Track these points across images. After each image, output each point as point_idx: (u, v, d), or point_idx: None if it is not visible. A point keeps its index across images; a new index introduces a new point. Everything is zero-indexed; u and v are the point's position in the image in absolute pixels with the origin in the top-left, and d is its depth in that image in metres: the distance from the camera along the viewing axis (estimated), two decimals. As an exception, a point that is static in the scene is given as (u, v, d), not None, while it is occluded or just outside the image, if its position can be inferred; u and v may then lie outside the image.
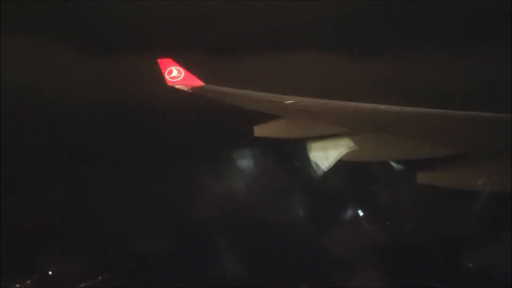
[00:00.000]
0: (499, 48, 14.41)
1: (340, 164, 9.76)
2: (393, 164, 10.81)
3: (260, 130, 10.93)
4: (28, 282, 13.74)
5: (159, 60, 12.83)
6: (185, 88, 12.51)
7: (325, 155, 9.89)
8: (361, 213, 13.54)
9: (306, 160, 10.20)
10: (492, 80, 14.20)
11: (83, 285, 13.67)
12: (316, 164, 10.14)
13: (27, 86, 15.89)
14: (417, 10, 15.16)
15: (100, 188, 14.84)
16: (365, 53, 15.51)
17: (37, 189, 14.89)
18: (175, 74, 12.71)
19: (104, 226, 14.06)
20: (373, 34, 15.48)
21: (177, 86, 12.61)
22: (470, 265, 12.43)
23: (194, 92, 12.38)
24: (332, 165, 9.85)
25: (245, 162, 14.10)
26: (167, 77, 12.74)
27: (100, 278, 13.70)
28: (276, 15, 15.92)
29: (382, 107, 9.10)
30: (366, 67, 15.38)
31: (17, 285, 13.62)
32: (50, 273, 13.95)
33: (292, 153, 11.77)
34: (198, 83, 12.52)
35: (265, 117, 10.64)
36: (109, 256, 14.01)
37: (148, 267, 13.67)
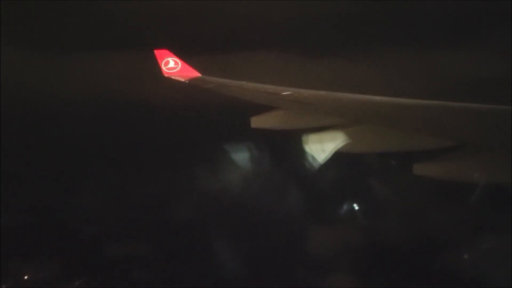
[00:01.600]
0: (496, 40, 14.39)
1: (336, 156, 9.71)
2: (390, 155, 10.78)
3: (257, 121, 10.88)
4: (3, 286, 13.52)
5: (155, 51, 12.80)
6: (182, 79, 12.48)
7: (321, 147, 9.85)
8: (357, 205, 13.51)
9: (303, 151, 10.16)
10: (490, 72, 14.18)
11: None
12: (313, 156, 10.11)
13: (23, 85, 15.86)
14: (412, 7, 15.20)
15: (87, 187, 14.64)
16: (362, 48, 15.53)
17: (13, 191, 14.61)
18: (172, 65, 12.68)
19: (88, 228, 13.85)
20: (371, 30, 15.50)
21: (174, 77, 12.58)
22: (465, 256, 12.43)
23: (191, 83, 12.35)
24: (328, 156, 9.80)
25: (242, 153, 14.06)
26: (163, 68, 12.71)
27: (77, 283, 13.47)
28: (271, 10, 15.91)
29: (379, 98, 9.09)
30: (363, 60, 15.39)
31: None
32: (26, 277, 13.72)
33: (288, 144, 11.73)
34: (195, 74, 12.49)
35: (262, 108, 10.60)
36: (88, 260, 13.73)
37: (132, 269, 13.48)
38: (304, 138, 10.01)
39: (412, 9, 15.29)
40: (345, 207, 13.51)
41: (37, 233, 14.01)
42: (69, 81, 16.19)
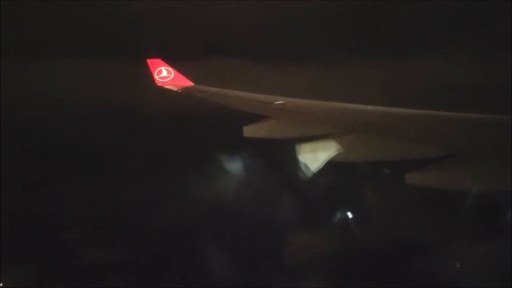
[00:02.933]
0: (486, 49, 14.47)
1: (329, 165, 9.76)
2: (383, 164, 10.83)
3: (249, 131, 10.94)
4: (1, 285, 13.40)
5: (148, 60, 12.81)
6: (175, 88, 12.50)
7: (314, 156, 9.90)
8: (350, 214, 13.53)
9: (295, 160, 10.21)
10: (481, 81, 14.26)
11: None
12: (305, 165, 10.16)
13: (17, 92, 15.79)
14: (405, 10, 15.23)
15: (79, 193, 14.56)
16: (360, 54, 15.54)
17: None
18: (164, 74, 12.69)
19: (75, 233, 13.74)
20: (369, 35, 15.52)
21: (166, 86, 12.60)
22: (457, 264, 12.49)
23: (184, 92, 12.37)
24: (321, 165, 9.85)
25: (234, 162, 14.07)
26: (156, 77, 12.73)
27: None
28: (267, 18, 15.93)
29: (371, 107, 9.13)
30: (356, 68, 15.41)
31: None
32: (1, 284, 13.56)
33: (281, 153, 11.76)
34: (188, 83, 12.52)
35: (255, 118, 10.64)
36: (74, 265, 13.59)
37: (126, 274, 13.39)
38: (296, 147, 10.06)
39: (404, 13, 15.34)
40: (338, 216, 13.53)
41: (22, 236, 13.95)
42: (60, 91, 16.11)
